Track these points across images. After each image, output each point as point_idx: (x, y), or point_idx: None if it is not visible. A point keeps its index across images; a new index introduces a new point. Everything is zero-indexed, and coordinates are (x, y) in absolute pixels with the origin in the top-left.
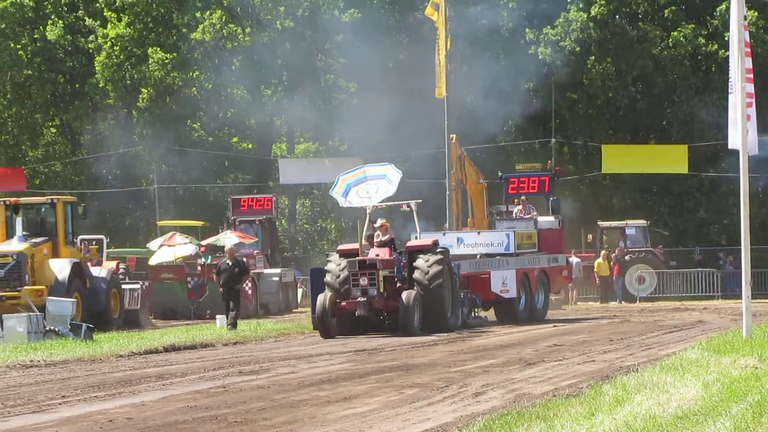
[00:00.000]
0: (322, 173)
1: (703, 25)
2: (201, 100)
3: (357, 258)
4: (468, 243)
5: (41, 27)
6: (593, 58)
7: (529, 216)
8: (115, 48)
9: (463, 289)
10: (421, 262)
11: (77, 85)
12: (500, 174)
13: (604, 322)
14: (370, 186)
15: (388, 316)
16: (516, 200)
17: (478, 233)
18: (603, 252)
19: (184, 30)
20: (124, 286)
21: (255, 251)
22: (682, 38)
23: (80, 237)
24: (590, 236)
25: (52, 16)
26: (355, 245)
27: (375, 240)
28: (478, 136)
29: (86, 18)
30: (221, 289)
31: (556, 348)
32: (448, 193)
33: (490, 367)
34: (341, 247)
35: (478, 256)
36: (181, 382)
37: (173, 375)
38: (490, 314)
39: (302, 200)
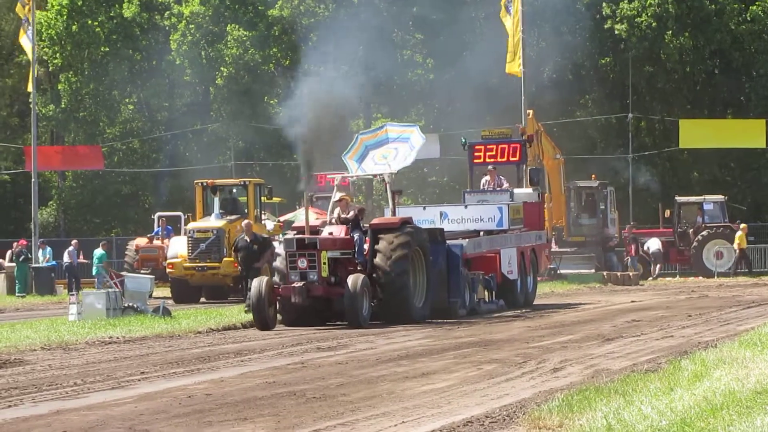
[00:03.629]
0: None
1: None
2: (278, 76)
3: (296, 236)
4: (453, 218)
5: (117, 4)
6: (670, 32)
7: (501, 188)
8: (190, 26)
9: (472, 272)
10: (383, 243)
11: (154, 62)
12: (464, 140)
13: (682, 298)
14: (389, 150)
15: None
16: (491, 169)
17: (465, 207)
18: (743, 225)
19: (260, 8)
20: None
21: None
22: (760, 12)
23: (158, 214)
24: (668, 211)
25: None
26: (316, 221)
27: (335, 217)
28: (554, 111)
29: None
30: (239, 268)
31: (634, 323)
32: (525, 168)
33: (568, 343)
34: (297, 223)
35: (481, 234)
36: (260, 358)
37: (251, 351)
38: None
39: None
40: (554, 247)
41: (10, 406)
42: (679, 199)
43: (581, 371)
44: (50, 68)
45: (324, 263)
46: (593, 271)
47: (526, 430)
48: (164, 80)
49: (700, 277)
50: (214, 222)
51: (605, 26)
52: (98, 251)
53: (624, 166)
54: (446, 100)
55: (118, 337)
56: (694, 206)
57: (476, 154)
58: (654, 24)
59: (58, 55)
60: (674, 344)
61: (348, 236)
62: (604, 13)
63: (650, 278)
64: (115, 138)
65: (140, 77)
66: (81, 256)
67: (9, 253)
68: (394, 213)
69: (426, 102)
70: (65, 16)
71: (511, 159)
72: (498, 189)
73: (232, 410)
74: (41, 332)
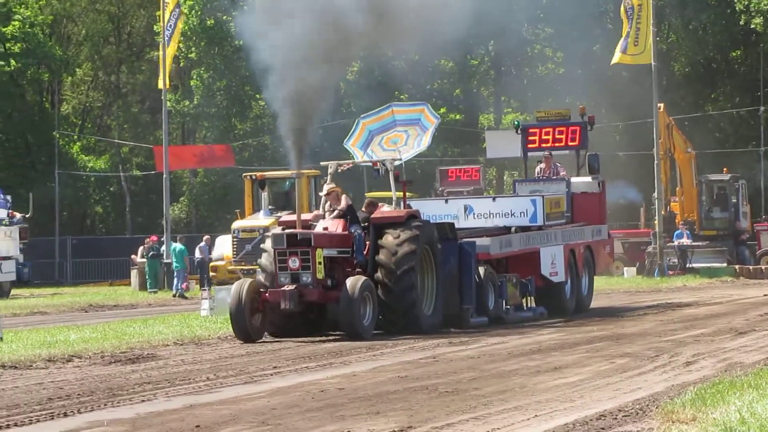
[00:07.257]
0: None
1: None
2: (408, 71)
3: (285, 231)
4: (480, 212)
5: None
6: None
7: (557, 176)
8: None
9: (500, 274)
10: (388, 240)
11: None
12: (516, 123)
13: None
14: (399, 134)
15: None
16: (547, 156)
17: (494, 199)
18: None
19: None
20: None
21: None
22: None
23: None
24: None
25: None
26: (307, 215)
27: (327, 211)
28: (685, 105)
29: None
30: None
31: (767, 317)
32: (656, 162)
33: (701, 337)
34: (285, 217)
35: (513, 230)
36: (392, 353)
37: (383, 345)
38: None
39: (510, 171)
40: (686, 241)
41: (143, 401)
42: None
43: (714, 365)
44: (181, 64)
45: (319, 263)
46: (725, 264)
47: (659, 424)
48: None
49: None
50: (261, 220)
51: (741, 22)
52: (178, 245)
53: (756, 159)
54: (576, 94)
55: None
56: None
57: (530, 138)
58: None
59: (193, 49)
60: None
61: (346, 232)
62: (737, 8)
63: None
64: (246, 134)
65: None
66: (213, 252)
67: (141, 249)
68: (405, 206)
69: (557, 96)
70: (199, 12)
71: (570, 143)
72: (554, 177)
73: (364, 404)
74: (173, 327)
